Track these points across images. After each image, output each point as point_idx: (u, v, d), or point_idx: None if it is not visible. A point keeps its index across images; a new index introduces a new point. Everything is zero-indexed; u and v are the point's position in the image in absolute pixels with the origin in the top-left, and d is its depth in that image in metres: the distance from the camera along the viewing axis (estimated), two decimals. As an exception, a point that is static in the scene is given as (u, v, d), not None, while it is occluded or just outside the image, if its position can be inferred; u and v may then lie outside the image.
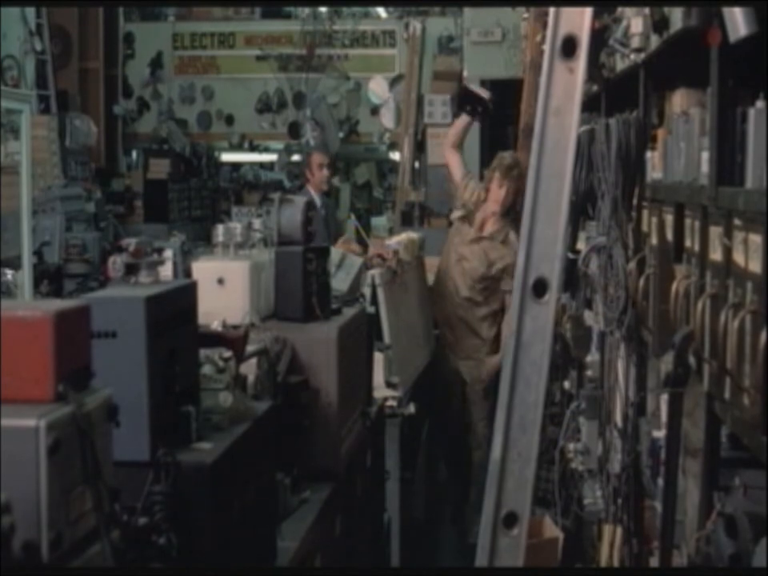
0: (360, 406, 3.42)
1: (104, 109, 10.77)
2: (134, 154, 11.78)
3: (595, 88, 3.84)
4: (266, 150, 12.23)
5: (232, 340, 2.35)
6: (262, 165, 12.60)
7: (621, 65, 3.33)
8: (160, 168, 11.05)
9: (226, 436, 2.05)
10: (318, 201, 6.68)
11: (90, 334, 1.46)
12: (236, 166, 12.92)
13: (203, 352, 2.24)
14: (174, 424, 1.96)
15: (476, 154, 8.58)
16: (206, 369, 2.19)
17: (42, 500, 1.27)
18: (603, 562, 3.12)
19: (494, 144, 8.72)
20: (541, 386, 1.74)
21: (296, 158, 11.90)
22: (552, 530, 3.74)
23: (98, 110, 10.62)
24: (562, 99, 1.97)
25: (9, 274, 6.54)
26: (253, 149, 11.86)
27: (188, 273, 3.53)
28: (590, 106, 3.89)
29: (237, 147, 11.84)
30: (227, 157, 12.73)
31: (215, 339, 2.34)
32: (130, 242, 2.11)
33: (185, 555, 1.77)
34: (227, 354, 2.30)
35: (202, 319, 2.26)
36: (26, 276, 6.15)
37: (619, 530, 3.01)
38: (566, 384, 4.24)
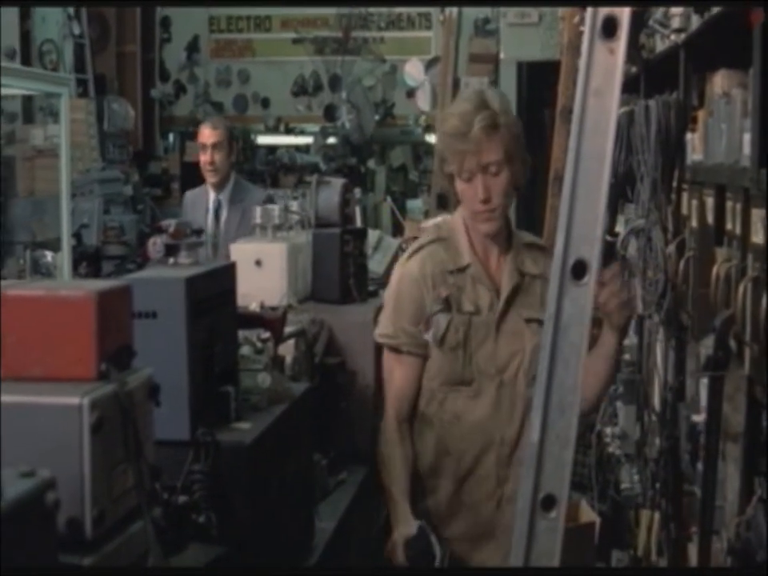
0: (396, 388, 3.42)
1: (141, 92, 10.82)
2: (171, 137, 11.84)
3: (634, 69, 3.80)
4: (302, 132, 12.23)
5: (270, 321, 2.35)
6: (297, 147, 12.60)
7: (660, 45, 3.30)
8: (196, 151, 11.09)
9: (264, 416, 2.07)
10: (210, 198, 5.14)
11: (131, 314, 1.47)
12: (272, 148, 12.92)
13: (241, 333, 2.24)
14: (213, 404, 1.98)
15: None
16: (245, 350, 2.20)
17: (85, 477, 1.28)
18: (641, 548, 3.11)
19: (530, 128, 8.67)
20: (579, 368, 1.73)
21: (332, 140, 11.90)
22: (588, 514, 3.73)
23: (136, 93, 10.68)
24: (602, 80, 1.95)
25: (48, 255, 6.63)
26: (288, 132, 11.87)
27: (225, 255, 3.55)
28: (628, 87, 3.85)
29: (272, 130, 11.87)
30: (263, 140, 12.75)
31: (254, 320, 2.34)
32: (170, 223, 2.13)
33: (224, 534, 1.79)
34: (265, 335, 2.30)
35: (239, 301, 2.27)
36: (65, 258, 6.22)
37: (657, 516, 2.99)
38: (603, 368, 4.21)
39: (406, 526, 2.47)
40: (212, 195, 5.10)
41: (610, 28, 1.93)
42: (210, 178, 5.11)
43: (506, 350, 2.59)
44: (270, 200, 4.90)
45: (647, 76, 3.69)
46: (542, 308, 2.46)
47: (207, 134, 5.12)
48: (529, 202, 7.46)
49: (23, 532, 1.07)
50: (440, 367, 2.58)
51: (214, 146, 5.06)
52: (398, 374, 2.65)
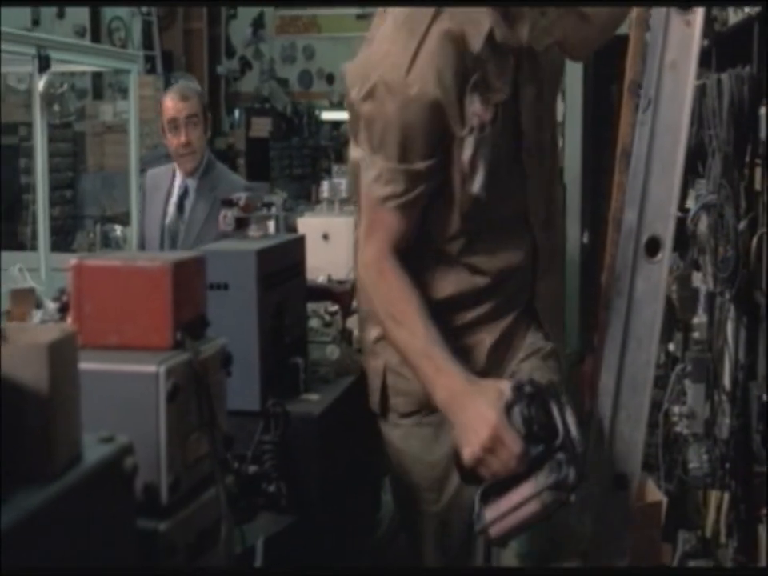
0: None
1: (207, 68, 10.91)
2: (237, 113, 11.91)
3: (705, 42, 3.73)
4: (366, 109, 12.23)
5: (338, 294, 2.37)
6: (361, 124, 12.62)
7: (733, 18, 3.22)
8: (262, 127, 11.16)
9: (332, 388, 2.08)
10: (176, 182, 4.00)
11: (205, 285, 1.49)
12: (336, 124, 12.94)
13: (310, 306, 2.26)
14: (283, 375, 2.00)
15: (578, 116, 7.62)
16: (313, 322, 2.22)
17: (161, 444, 1.30)
18: (708, 529, 3.08)
19: (597, 103, 8.54)
20: (653, 346, 1.72)
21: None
22: (655, 493, 3.69)
23: (202, 69, 10.76)
24: (678, 53, 1.93)
25: (118, 229, 6.74)
26: (353, 108, 11.87)
27: (290, 230, 3.55)
28: (699, 60, 3.78)
29: (337, 106, 11.85)
30: (328, 115, 12.76)
31: (322, 293, 2.36)
32: (241, 197, 2.14)
33: (293, 504, 1.81)
34: (333, 308, 2.32)
35: (307, 274, 2.29)
36: (133, 232, 6.30)
37: (726, 496, 2.95)
38: (671, 346, 4.16)
39: (489, 390, 1.56)
40: (179, 179, 3.97)
41: (687, -1, 1.89)
42: (188, 164, 3.92)
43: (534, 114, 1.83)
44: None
45: (719, 49, 3.61)
46: None
47: (177, 107, 3.84)
48: (595, 177, 7.35)
49: (104, 496, 1.09)
50: (472, 205, 1.77)
51: (188, 120, 3.84)
52: (398, 225, 1.81)
